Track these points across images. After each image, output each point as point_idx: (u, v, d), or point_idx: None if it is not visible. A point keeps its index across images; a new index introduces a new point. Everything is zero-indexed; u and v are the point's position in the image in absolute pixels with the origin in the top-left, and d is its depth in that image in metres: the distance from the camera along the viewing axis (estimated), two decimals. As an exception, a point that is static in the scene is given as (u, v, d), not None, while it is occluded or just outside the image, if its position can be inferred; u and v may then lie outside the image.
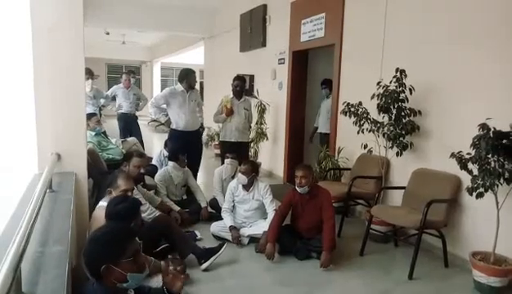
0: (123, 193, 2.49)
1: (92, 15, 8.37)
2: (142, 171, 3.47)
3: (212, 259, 3.00)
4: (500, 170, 2.59)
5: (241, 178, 3.63)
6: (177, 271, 1.84)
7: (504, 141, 2.52)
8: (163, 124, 4.84)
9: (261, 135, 6.24)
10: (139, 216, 2.06)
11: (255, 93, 6.42)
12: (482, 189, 2.65)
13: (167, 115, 4.74)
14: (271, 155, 6.48)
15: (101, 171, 3.76)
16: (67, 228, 1.86)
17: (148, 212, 3.21)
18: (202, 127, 5.00)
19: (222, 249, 3.07)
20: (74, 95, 3.00)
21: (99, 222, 2.23)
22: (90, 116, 4.37)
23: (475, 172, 2.71)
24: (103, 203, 2.44)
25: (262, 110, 6.24)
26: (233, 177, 4.15)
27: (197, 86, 4.97)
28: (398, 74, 3.45)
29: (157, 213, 3.27)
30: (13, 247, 1.21)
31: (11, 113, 3.07)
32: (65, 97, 2.95)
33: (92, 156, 3.75)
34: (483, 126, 2.60)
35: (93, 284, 1.49)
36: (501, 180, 2.60)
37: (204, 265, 2.98)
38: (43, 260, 1.52)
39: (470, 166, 2.74)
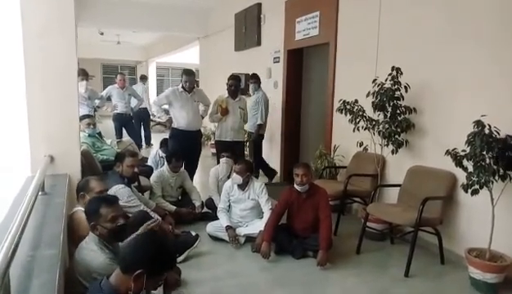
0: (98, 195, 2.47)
1: (87, 15, 8.33)
2: (136, 170, 3.44)
3: (186, 253, 3.12)
4: (495, 167, 2.59)
5: (236, 178, 3.62)
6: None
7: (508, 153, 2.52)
8: (160, 124, 4.82)
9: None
10: (101, 216, 2.02)
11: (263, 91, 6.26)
12: (477, 186, 2.65)
13: (168, 113, 4.75)
14: (268, 154, 6.46)
15: (95, 172, 3.73)
16: (59, 231, 1.84)
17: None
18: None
19: (197, 243, 3.20)
20: (66, 96, 2.99)
21: (86, 225, 2.22)
22: (81, 118, 4.33)
23: (470, 169, 2.71)
24: (80, 208, 2.41)
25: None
26: (229, 177, 4.13)
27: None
28: (394, 72, 3.44)
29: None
30: (1, 252, 1.19)
31: (3, 116, 3.04)
32: (57, 99, 2.93)
33: (87, 157, 3.73)
34: (478, 123, 2.60)
35: (100, 283, 1.50)
36: (496, 177, 2.60)
37: (179, 259, 3.06)
38: (34, 265, 1.50)
39: (465, 163, 2.74)
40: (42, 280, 1.38)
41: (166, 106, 4.76)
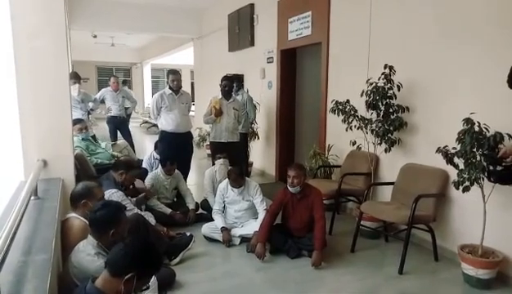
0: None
1: (80, 18, 8.30)
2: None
3: (181, 254, 3.11)
4: (485, 163, 2.61)
5: (236, 190, 3.63)
6: None
7: (497, 168, 2.53)
8: (155, 126, 4.84)
9: (252, 134, 6.23)
10: (122, 223, 2.03)
11: (245, 91, 6.37)
12: (468, 183, 2.67)
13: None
14: (264, 154, 6.48)
15: (89, 175, 3.72)
16: (51, 236, 1.84)
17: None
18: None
19: (191, 243, 3.19)
20: (58, 99, 2.97)
21: (78, 232, 2.21)
22: (74, 123, 4.30)
23: (461, 166, 2.73)
24: (73, 215, 2.40)
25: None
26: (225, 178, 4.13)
27: (186, 87, 4.96)
28: (387, 70, 3.46)
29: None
30: (-9, 258, 1.20)
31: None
32: (49, 102, 2.92)
33: (80, 161, 3.72)
34: (467, 121, 2.63)
35: (85, 287, 1.50)
36: (486, 173, 2.62)
37: (175, 261, 3.07)
38: (25, 270, 1.49)
39: (456, 160, 2.77)
40: (33, 285, 1.38)
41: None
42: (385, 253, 3.45)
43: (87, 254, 1.95)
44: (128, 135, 6.98)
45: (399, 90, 3.50)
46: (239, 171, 3.65)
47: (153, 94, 14.50)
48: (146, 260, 1.57)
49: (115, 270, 1.52)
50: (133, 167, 3.45)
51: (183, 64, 15.59)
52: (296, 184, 3.23)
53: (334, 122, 4.43)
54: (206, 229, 3.64)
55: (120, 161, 3.51)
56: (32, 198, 2.29)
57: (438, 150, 2.84)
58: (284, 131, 5.91)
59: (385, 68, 3.46)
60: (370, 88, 3.57)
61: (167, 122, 4.62)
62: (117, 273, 1.51)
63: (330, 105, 3.96)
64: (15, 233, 1.49)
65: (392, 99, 3.53)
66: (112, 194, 3.10)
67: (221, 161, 4.30)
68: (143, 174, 4.42)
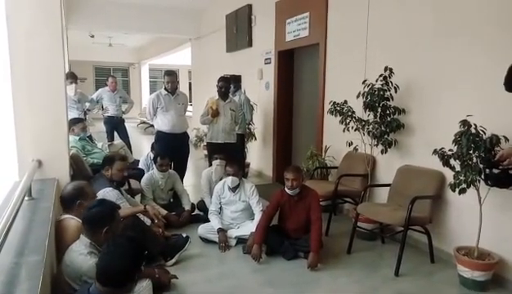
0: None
1: (77, 18, 8.28)
2: (125, 173, 3.43)
3: (177, 255, 3.11)
4: (482, 166, 2.61)
5: (234, 180, 3.61)
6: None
7: (494, 171, 2.51)
8: (152, 126, 4.83)
9: (249, 135, 6.22)
10: (115, 220, 2.03)
11: (242, 92, 6.36)
12: (464, 185, 2.67)
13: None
14: (261, 155, 6.47)
15: (85, 176, 3.70)
16: (44, 236, 1.82)
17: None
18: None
19: (187, 245, 3.19)
20: (54, 99, 2.96)
21: (74, 233, 2.20)
22: (76, 121, 4.33)
23: (458, 168, 2.73)
24: (68, 216, 2.38)
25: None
26: (221, 179, 4.12)
27: (184, 88, 4.97)
28: (387, 72, 3.45)
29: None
30: (-18, 260, 1.18)
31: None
32: (44, 102, 2.90)
33: (76, 161, 3.70)
34: (464, 123, 2.63)
35: (89, 289, 1.50)
36: (483, 176, 2.62)
37: (170, 262, 3.07)
38: (17, 271, 1.48)
39: (453, 162, 2.76)
40: (26, 287, 1.37)
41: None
42: (381, 255, 3.45)
43: (80, 253, 1.95)
44: (125, 136, 6.95)
45: (396, 91, 3.50)
46: (237, 165, 3.68)
47: (151, 93, 14.46)
48: (138, 262, 1.67)
49: (111, 283, 1.56)
50: (115, 159, 3.41)
51: (181, 65, 15.57)
52: (295, 187, 3.23)
53: (331, 124, 4.43)
54: (202, 230, 3.62)
55: (104, 158, 3.52)
56: (26, 198, 2.28)
57: (435, 152, 2.84)
58: (281, 132, 5.90)
59: (385, 70, 3.45)
60: (366, 90, 3.56)
61: (163, 123, 4.62)
62: (113, 285, 1.55)
63: (327, 106, 3.96)
64: (7, 233, 1.47)
65: (389, 100, 3.53)
66: (107, 193, 3.08)
67: (217, 161, 4.29)
68: (139, 175, 4.41)
